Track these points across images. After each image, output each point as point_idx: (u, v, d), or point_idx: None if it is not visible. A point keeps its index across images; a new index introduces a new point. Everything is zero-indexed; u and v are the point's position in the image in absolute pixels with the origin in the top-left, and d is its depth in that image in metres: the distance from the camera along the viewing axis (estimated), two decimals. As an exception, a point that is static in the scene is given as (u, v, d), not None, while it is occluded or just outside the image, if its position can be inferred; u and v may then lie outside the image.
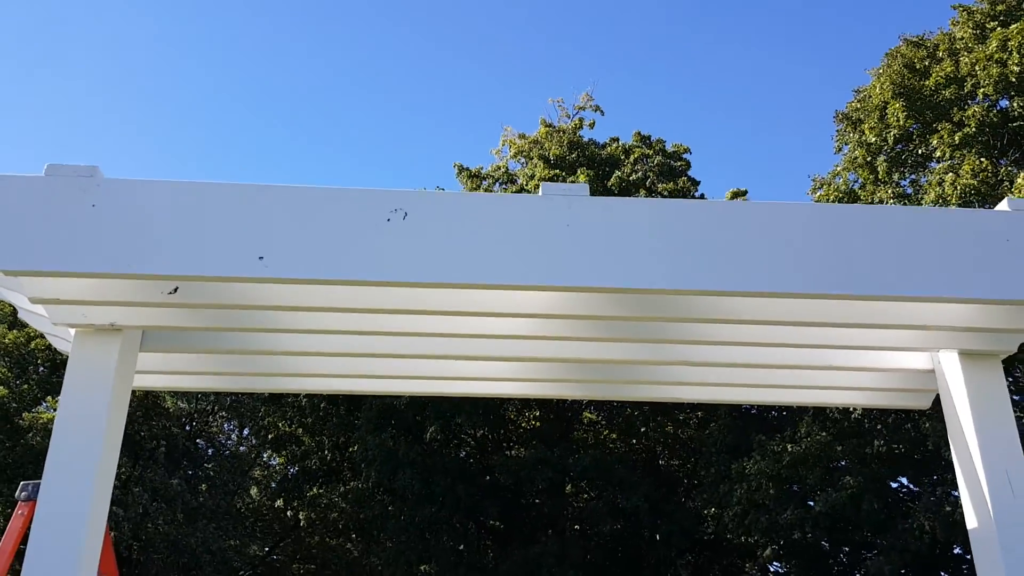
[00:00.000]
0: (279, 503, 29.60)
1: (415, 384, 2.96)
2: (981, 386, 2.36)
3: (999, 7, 18.87)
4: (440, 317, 2.44)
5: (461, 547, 24.70)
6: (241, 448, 32.16)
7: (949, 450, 9.78)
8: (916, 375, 2.72)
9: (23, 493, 4.14)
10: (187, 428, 27.19)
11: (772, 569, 26.44)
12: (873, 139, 18.96)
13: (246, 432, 30.67)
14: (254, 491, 33.34)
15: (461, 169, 29.99)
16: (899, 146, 19.32)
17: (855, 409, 16.61)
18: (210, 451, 29.80)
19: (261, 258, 2.11)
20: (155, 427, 22.44)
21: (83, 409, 2.23)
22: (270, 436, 28.04)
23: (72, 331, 2.36)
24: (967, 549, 18.60)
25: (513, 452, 24.43)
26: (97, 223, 2.09)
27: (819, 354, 2.72)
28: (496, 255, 2.15)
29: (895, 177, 20.20)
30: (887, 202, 18.54)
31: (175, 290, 2.25)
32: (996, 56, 17.01)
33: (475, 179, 29.60)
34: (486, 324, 2.48)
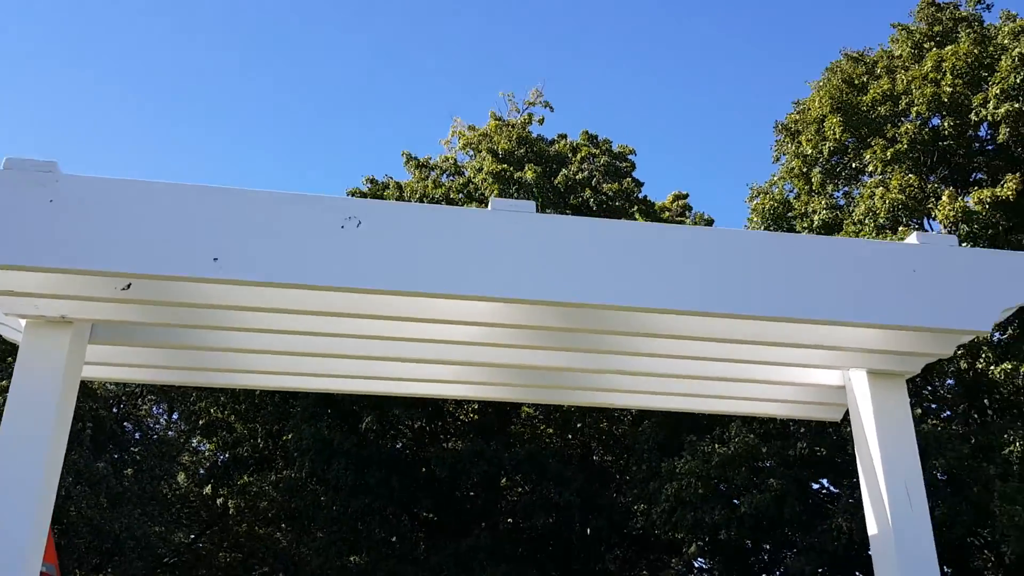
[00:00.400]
0: (207, 490, 29.14)
1: (363, 383, 3.06)
2: (886, 404, 2.56)
3: (936, 28, 19.66)
4: (388, 322, 2.54)
5: (393, 539, 24.71)
6: (170, 433, 31.54)
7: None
8: (829, 391, 2.92)
9: None
10: (114, 411, 26.54)
11: (697, 565, 27.16)
12: (810, 151, 19.59)
13: (175, 417, 30.10)
14: (181, 477, 32.73)
15: (409, 158, 29.91)
16: (834, 159, 20.00)
17: (782, 412, 17.16)
18: (137, 435, 29.13)
19: (216, 259, 2.18)
20: (81, 408, 21.88)
21: (32, 399, 2.28)
22: (201, 422, 27.59)
23: (22, 321, 2.40)
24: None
25: (450, 444, 24.51)
26: (54, 218, 2.14)
27: (741, 368, 2.90)
28: (445, 265, 2.26)
29: (829, 188, 20.90)
30: (819, 212, 19.20)
31: (128, 286, 2.30)
32: (931, 76, 17.75)
33: (423, 169, 29.55)
34: (432, 329, 2.59)
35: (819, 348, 2.58)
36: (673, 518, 17.95)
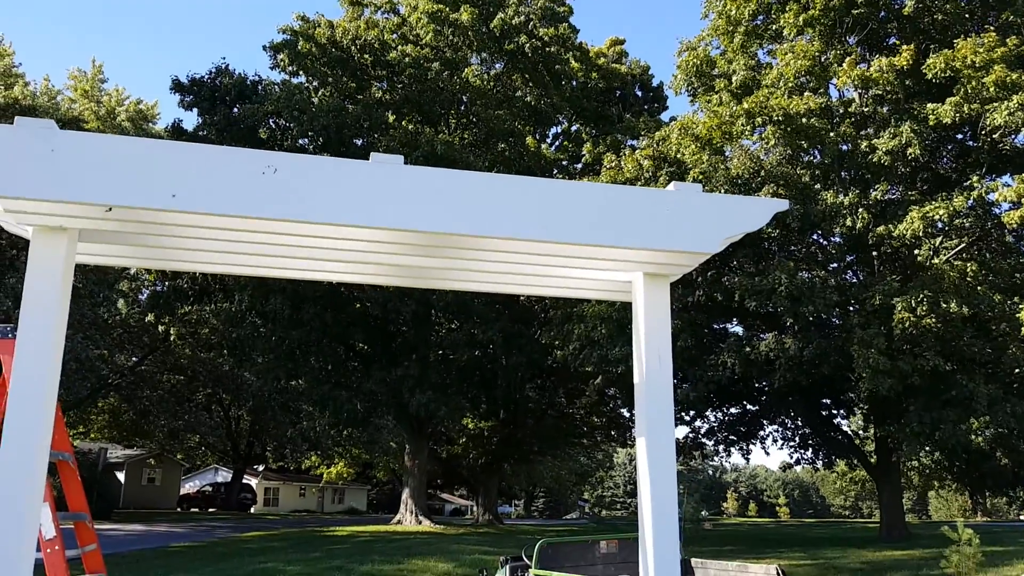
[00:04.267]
0: (150, 317, 30.22)
1: (279, 272, 4.18)
2: (653, 296, 3.80)
3: None
4: (301, 237, 3.64)
5: (329, 367, 26.48)
6: (108, 261, 31.95)
7: (752, 302, 12.06)
8: (623, 284, 4.18)
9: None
10: (51, 241, 26.80)
11: (608, 392, 29.98)
12: (734, 11, 20.16)
13: (114, 245, 30.53)
14: (121, 304, 33.69)
15: (344, -7, 29.21)
16: (757, 20, 20.65)
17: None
18: (75, 262, 29.55)
19: (174, 195, 3.23)
20: (17, 236, 22.24)
21: (41, 283, 3.37)
22: (140, 253, 28.15)
23: (30, 229, 3.45)
24: (762, 383, 21.99)
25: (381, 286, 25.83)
26: (55, 162, 3.15)
27: (563, 270, 4.11)
28: (339, 201, 3.35)
29: (754, 48, 21.65)
30: (738, 72, 20.07)
31: (110, 209, 3.34)
32: (849, -55, 18.27)
33: (357, 6, 28.99)
34: (328, 242, 3.70)
35: (615, 260, 3.78)
36: (581, 355, 19.90)
